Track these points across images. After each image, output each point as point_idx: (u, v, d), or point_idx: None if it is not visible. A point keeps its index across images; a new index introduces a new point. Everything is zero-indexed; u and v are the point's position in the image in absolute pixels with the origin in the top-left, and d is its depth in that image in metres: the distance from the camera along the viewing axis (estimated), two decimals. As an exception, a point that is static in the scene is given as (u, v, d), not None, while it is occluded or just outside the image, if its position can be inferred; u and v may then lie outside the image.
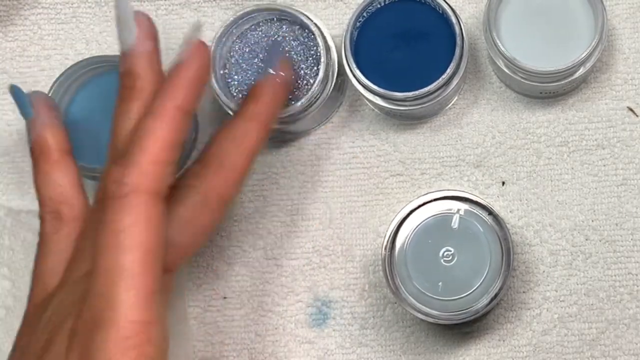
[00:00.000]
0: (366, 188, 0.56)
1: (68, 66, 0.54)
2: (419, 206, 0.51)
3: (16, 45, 0.59)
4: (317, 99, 0.53)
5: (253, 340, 0.55)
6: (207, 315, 0.56)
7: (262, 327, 0.55)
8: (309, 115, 0.53)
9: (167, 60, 0.58)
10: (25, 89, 0.58)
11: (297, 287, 0.56)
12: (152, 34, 0.46)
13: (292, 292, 0.56)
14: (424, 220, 0.51)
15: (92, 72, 0.54)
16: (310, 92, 0.52)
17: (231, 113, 0.53)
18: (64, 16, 0.59)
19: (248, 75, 0.54)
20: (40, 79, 0.58)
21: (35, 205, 0.57)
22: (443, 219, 0.51)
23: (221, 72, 0.54)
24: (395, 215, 0.51)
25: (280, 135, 0.57)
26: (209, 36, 0.57)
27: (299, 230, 0.56)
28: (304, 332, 0.55)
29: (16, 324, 0.53)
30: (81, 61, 0.54)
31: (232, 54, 0.54)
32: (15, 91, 0.49)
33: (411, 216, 0.51)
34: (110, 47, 0.58)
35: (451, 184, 0.56)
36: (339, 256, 0.56)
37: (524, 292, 0.54)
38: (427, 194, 0.51)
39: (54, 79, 0.54)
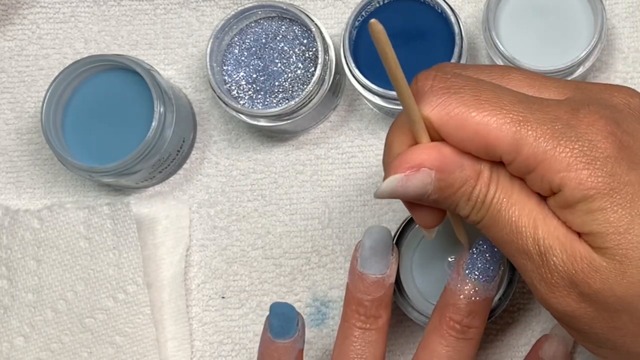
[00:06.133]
0: (365, 187, 0.56)
1: (66, 65, 0.54)
2: None
3: (14, 45, 0.59)
4: (313, 98, 0.53)
5: (252, 340, 0.55)
6: (206, 314, 0.56)
7: (260, 326, 0.55)
8: (305, 114, 0.53)
9: (167, 59, 0.58)
10: (24, 88, 0.58)
11: (296, 287, 0.56)
12: (397, 265, 0.48)
13: (291, 292, 0.56)
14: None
15: (90, 71, 0.54)
16: (305, 91, 0.52)
17: (227, 108, 0.53)
18: (62, 15, 0.59)
19: (246, 71, 0.54)
20: (39, 78, 0.58)
21: (32, 205, 0.57)
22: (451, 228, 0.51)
23: (218, 67, 0.54)
24: (405, 218, 0.51)
25: (279, 135, 0.57)
26: (207, 35, 0.57)
27: (298, 229, 0.56)
28: (303, 331, 0.55)
29: (14, 322, 0.53)
30: (80, 60, 0.54)
31: (230, 49, 0.54)
32: (286, 308, 0.47)
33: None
34: (108, 46, 0.58)
35: (450, 184, 0.56)
36: (338, 256, 0.56)
37: (523, 292, 0.54)
38: None
39: (53, 78, 0.53)
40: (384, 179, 0.39)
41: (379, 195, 0.39)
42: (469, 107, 0.36)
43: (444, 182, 0.38)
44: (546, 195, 0.38)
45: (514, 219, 0.38)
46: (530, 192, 0.38)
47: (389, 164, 0.39)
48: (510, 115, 0.36)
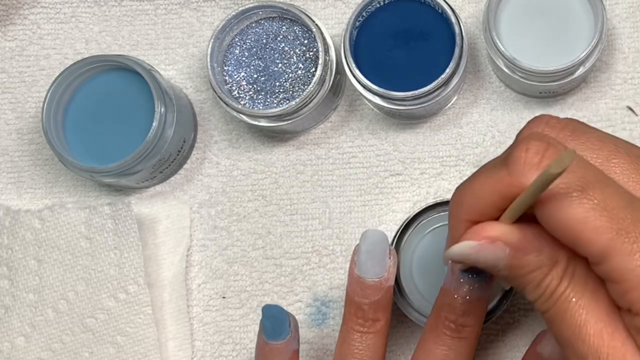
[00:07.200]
0: (365, 187, 0.56)
1: (67, 66, 0.54)
2: (425, 209, 0.51)
3: (15, 45, 0.59)
4: (314, 98, 0.53)
5: (252, 340, 0.55)
6: (207, 314, 0.56)
7: (261, 326, 0.55)
8: (306, 115, 0.53)
9: (167, 59, 0.58)
10: (25, 88, 0.58)
11: (297, 287, 0.56)
12: (395, 268, 0.47)
13: (291, 292, 0.56)
14: (432, 228, 0.51)
15: (91, 71, 0.54)
16: (306, 92, 0.52)
17: (228, 109, 0.53)
18: (63, 16, 0.59)
19: (247, 71, 0.54)
20: (40, 79, 0.58)
21: (33, 205, 0.57)
22: None
23: (219, 67, 0.54)
24: (406, 219, 0.51)
25: (280, 135, 0.57)
26: (207, 36, 0.57)
27: (299, 229, 0.56)
28: (303, 332, 0.55)
29: (15, 322, 0.53)
30: (80, 61, 0.54)
31: (231, 49, 0.54)
32: (276, 310, 0.47)
33: (419, 222, 0.51)
34: (109, 46, 0.58)
35: (450, 184, 0.56)
36: (339, 256, 0.56)
37: (523, 291, 0.54)
38: (435, 201, 0.51)
39: (53, 79, 0.54)
40: (452, 228, 0.39)
41: (447, 256, 0.39)
42: (572, 197, 0.35)
43: (516, 262, 0.37)
44: (622, 308, 0.36)
45: (579, 323, 0.36)
46: (604, 295, 0.36)
47: (465, 221, 0.38)
48: (612, 220, 0.34)
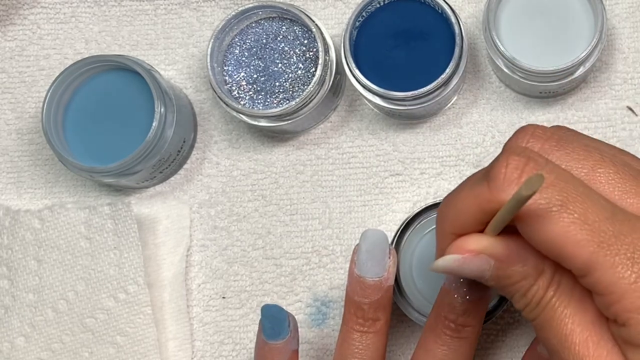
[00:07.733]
0: (365, 188, 0.56)
1: (67, 66, 0.54)
2: (425, 209, 0.51)
3: (15, 45, 0.59)
4: (313, 98, 0.53)
5: (252, 340, 0.55)
6: (207, 314, 0.56)
7: (261, 326, 0.55)
8: (306, 115, 0.53)
9: (167, 59, 0.58)
10: (25, 88, 0.58)
11: (297, 287, 0.56)
12: (395, 268, 0.47)
13: (291, 292, 0.56)
14: (432, 228, 0.51)
15: (91, 71, 0.54)
16: (306, 92, 0.52)
17: (228, 109, 0.53)
18: (63, 16, 0.59)
19: (247, 71, 0.54)
20: (39, 79, 0.58)
21: (33, 205, 0.57)
22: None
23: (219, 67, 0.54)
24: (406, 219, 0.51)
25: (280, 135, 0.57)
26: (207, 36, 0.57)
27: (299, 230, 0.56)
28: (303, 332, 0.55)
29: (15, 322, 0.53)
30: (80, 61, 0.54)
31: (231, 49, 0.54)
32: (275, 310, 0.47)
33: (419, 222, 0.51)
34: (109, 46, 0.58)
35: (450, 184, 0.56)
36: (339, 256, 0.56)
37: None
38: (435, 201, 0.51)
39: (53, 79, 0.54)
40: (438, 241, 0.39)
41: (433, 269, 0.39)
42: (552, 212, 0.35)
43: (502, 272, 0.37)
44: (609, 318, 0.36)
45: (565, 332, 0.36)
46: (591, 304, 0.37)
47: (450, 234, 0.39)
48: (593, 234, 0.35)
